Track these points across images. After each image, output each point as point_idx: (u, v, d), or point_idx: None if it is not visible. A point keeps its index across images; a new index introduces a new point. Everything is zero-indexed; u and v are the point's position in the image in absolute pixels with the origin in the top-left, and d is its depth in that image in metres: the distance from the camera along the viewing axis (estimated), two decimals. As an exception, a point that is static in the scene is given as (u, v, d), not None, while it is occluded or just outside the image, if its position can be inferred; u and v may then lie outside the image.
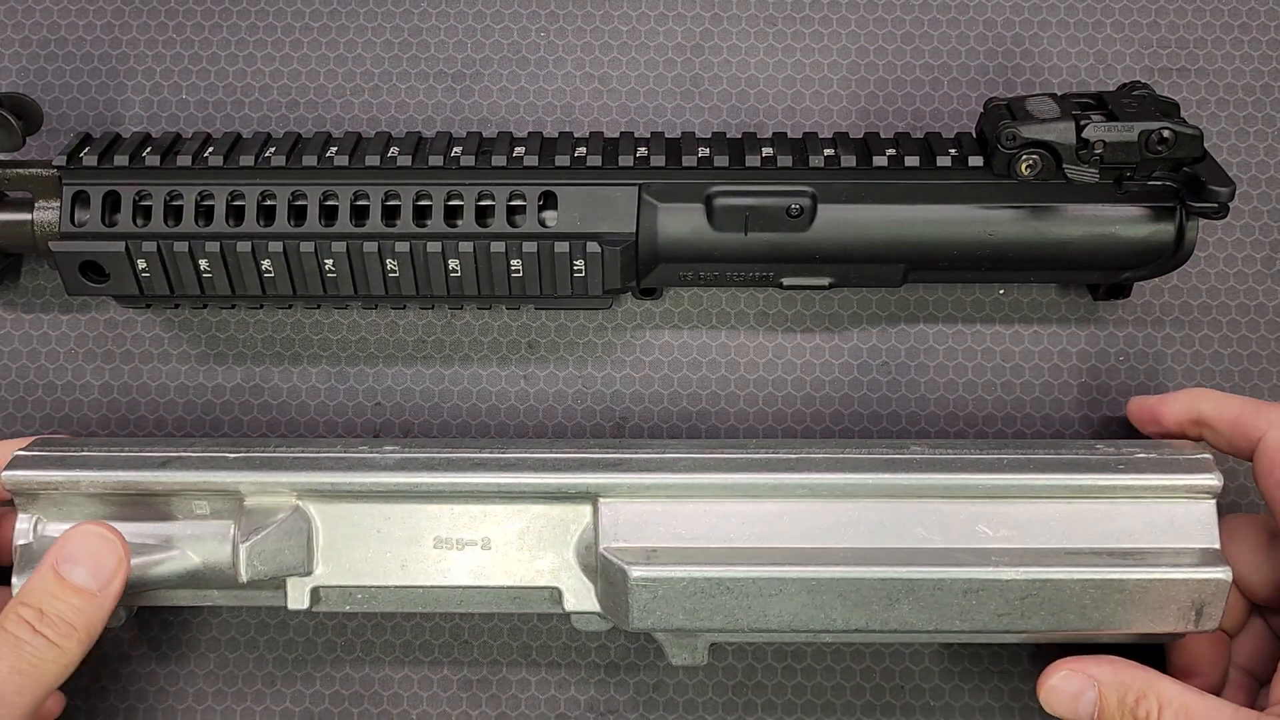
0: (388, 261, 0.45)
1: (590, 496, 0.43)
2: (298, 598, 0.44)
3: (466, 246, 0.44)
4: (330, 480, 0.43)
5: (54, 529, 0.43)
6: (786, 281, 0.46)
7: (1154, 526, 0.42)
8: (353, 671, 0.49)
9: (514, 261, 0.45)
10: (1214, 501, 0.43)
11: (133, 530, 0.43)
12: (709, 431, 0.50)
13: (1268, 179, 0.50)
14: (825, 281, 0.46)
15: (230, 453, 0.44)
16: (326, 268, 0.45)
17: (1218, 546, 0.42)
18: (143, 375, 0.50)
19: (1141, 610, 0.41)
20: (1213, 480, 0.42)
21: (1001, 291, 0.50)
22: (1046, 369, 0.50)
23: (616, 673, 0.49)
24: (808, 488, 0.43)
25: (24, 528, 0.44)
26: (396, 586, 0.44)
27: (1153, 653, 0.47)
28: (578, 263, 0.45)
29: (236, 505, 0.43)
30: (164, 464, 0.44)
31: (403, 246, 0.44)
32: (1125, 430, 0.50)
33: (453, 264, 0.45)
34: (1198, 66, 0.51)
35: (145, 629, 0.49)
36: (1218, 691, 0.44)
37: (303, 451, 0.44)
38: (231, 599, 0.46)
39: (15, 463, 0.44)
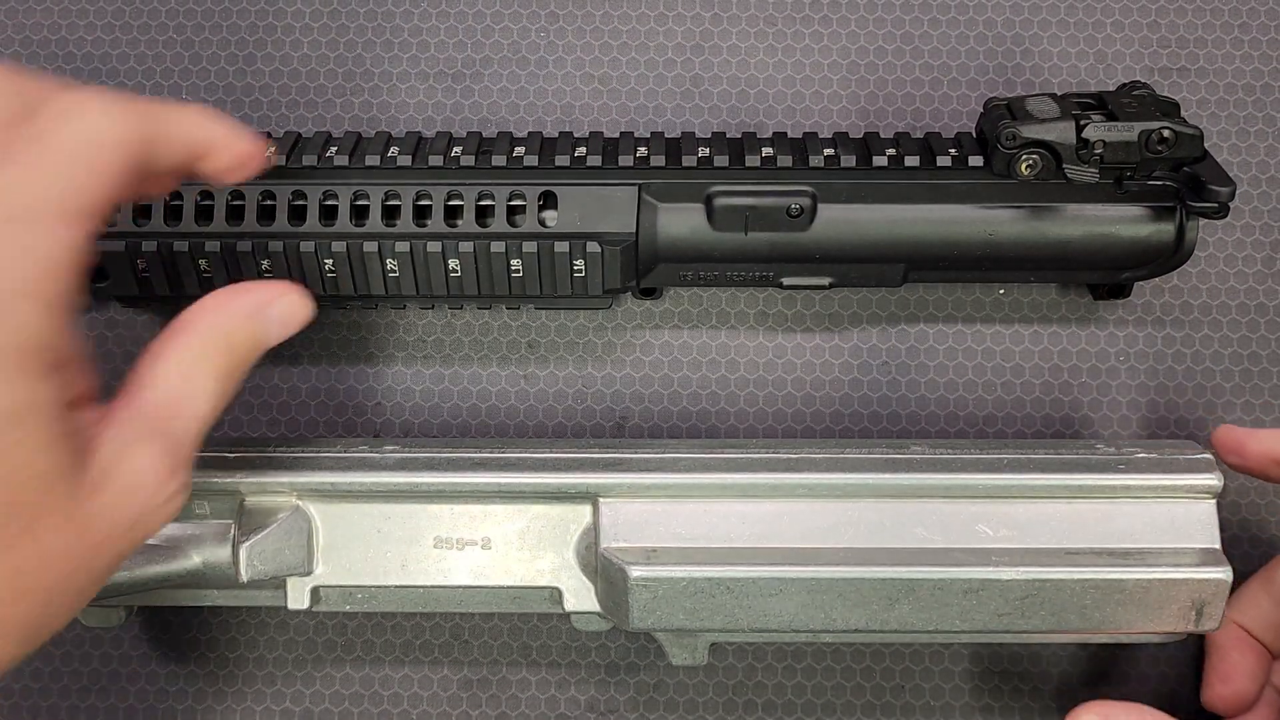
0: (388, 261, 0.45)
1: (590, 496, 0.43)
2: (298, 598, 0.44)
3: (466, 246, 0.44)
4: (330, 480, 0.43)
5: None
6: (786, 281, 0.46)
7: (1154, 526, 0.42)
8: (353, 671, 0.49)
9: (514, 261, 0.45)
10: (1214, 501, 0.43)
11: (133, 530, 0.43)
12: (709, 431, 0.50)
13: (1268, 179, 0.50)
14: (825, 281, 0.46)
15: (230, 453, 0.44)
16: (326, 268, 0.45)
17: (1218, 546, 0.42)
18: (143, 375, 0.50)
19: (1141, 610, 0.41)
20: (1213, 480, 0.42)
21: (1001, 291, 0.50)
22: (1046, 369, 0.50)
23: (616, 673, 0.49)
24: (808, 488, 0.43)
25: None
26: (396, 586, 0.44)
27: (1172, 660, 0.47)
28: (578, 263, 0.45)
29: (236, 505, 0.43)
30: (164, 464, 0.44)
31: (403, 246, 0.44)
32: (1124, 430, 0.50)
33: (453, 264, 0.45)
34: (1198, 66, 0.51)
35: (145, 629, 0.49)
36: (1250, 704, 0.44)
37: (303, 451, 0.44)
38: (231, 599, 0.46)
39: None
